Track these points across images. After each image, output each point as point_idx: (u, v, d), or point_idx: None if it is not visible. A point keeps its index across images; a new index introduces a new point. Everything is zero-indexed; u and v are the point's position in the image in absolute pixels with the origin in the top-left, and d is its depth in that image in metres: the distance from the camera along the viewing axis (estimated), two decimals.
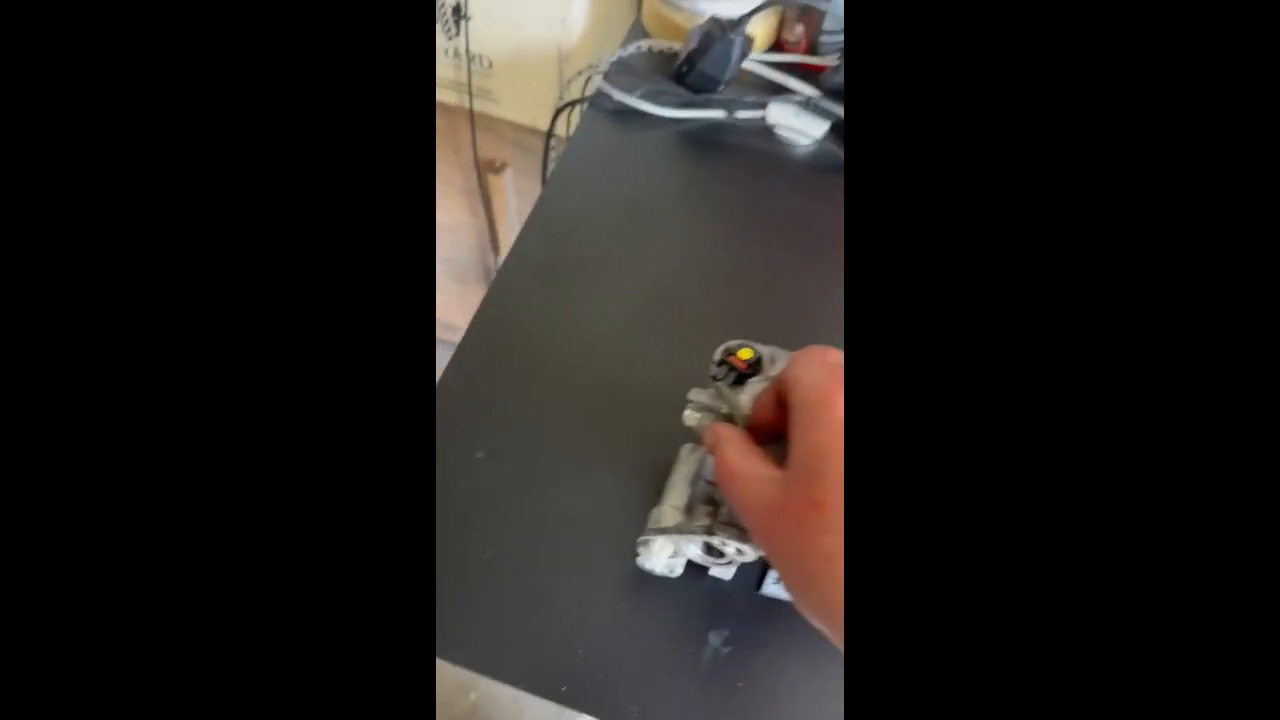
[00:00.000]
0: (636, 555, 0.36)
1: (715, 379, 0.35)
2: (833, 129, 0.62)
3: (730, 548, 0.32)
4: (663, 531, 0.34)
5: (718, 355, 0.36)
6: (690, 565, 0.41)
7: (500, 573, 0.41)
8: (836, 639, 0.24)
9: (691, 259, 0.56)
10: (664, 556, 0.35)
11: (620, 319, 0.52)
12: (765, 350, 0.36)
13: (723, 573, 0.40)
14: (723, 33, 0.58)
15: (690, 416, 0.36)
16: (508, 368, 0.48)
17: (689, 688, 0.38)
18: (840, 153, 0.62)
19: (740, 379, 0.35)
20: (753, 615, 0.40)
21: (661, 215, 0.59)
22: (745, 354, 0.36)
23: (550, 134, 0.69)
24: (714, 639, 0.40)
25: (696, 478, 0.35)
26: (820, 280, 0.55)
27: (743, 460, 0.28)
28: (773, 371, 0.35)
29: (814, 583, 0.24)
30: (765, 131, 0.63)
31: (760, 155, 0.63)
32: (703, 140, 0.64)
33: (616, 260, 0.55)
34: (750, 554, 0.32)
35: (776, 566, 0.28)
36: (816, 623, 0.25)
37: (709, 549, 0.34)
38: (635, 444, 0.44)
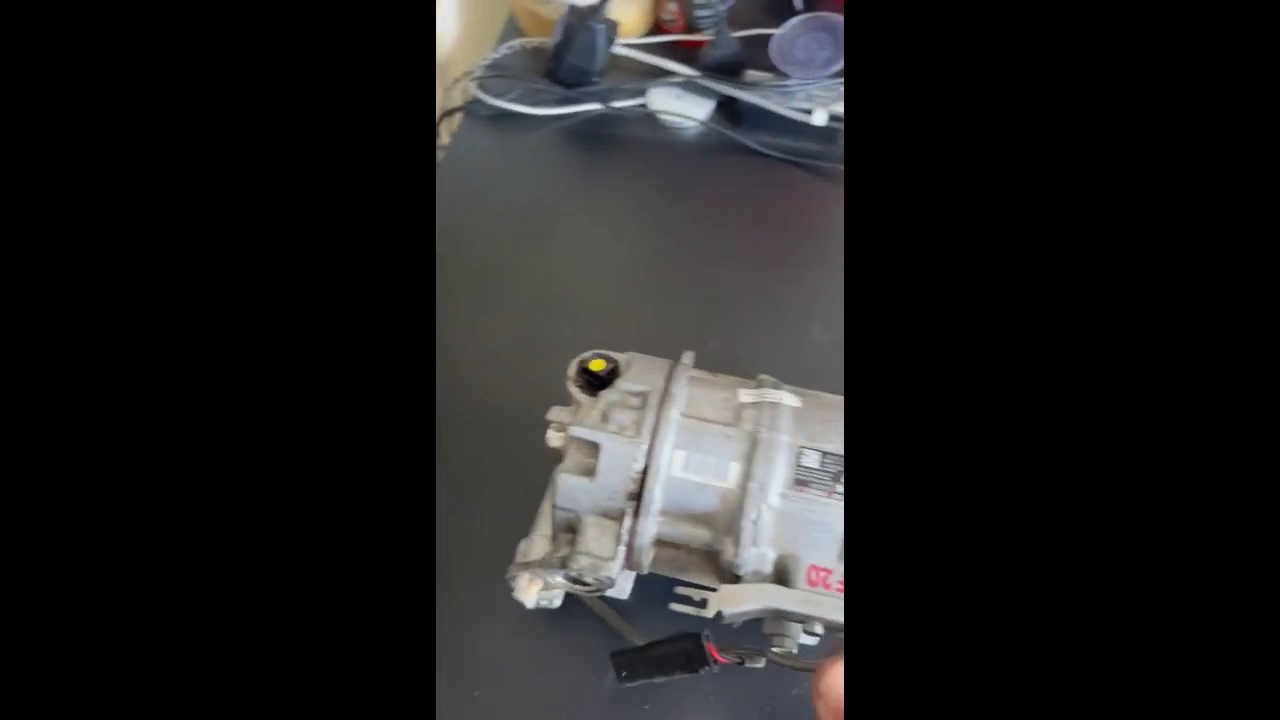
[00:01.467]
0: (512, 593, 0.34)
1: (572, 386, 0.33)
2: (718, 108, 0.60)
3: (588, 577, 0.30)
4: (525, 567, 0.32)
5: (571, 371, 0.34)
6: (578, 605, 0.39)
7: None
8: None
9: (580, 264, 0.54)
10: (534, 590, 0.33)
11: (508, 336, 0.49)
12: (620, 358, 0.34)
13: (618, 592, 0.38)
14: (582, 22, 0.55)
15: (553, 437, 0.34)
16: None
17: (590, 711, 0.36)
18: (726, 131, 0.59)
19: (596, 389, 0.33)
20: (657, 631, 0.38)
21: (547, 220, 0.56)
22: (597, 365, 0.34)
23: (433, 145, 0.66)
24: (612, 677, 0.37)
25: (554, 506, 0.33)
26: (717, 275, 0.52)
27: None
28: (627, 381, 0.33)
29: None
30: (648, 119, 0.61)
31: (645, 144, 0.60)
32: (585, 135, 0.61)
33: (501, 273, 0.53)
34: (612, 579, 0.30)
35: None
36: None
37: (574, 579, 0.32)
38: (523, 469, 0.42)
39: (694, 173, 0.59)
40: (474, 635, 0.38)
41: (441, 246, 0.54)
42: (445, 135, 0.65)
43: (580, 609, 0.38)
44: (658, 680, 0.31)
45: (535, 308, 0.51)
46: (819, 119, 0.56)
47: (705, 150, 0.60)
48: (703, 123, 0.59)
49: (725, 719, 0.36)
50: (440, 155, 0.61)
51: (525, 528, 0.37)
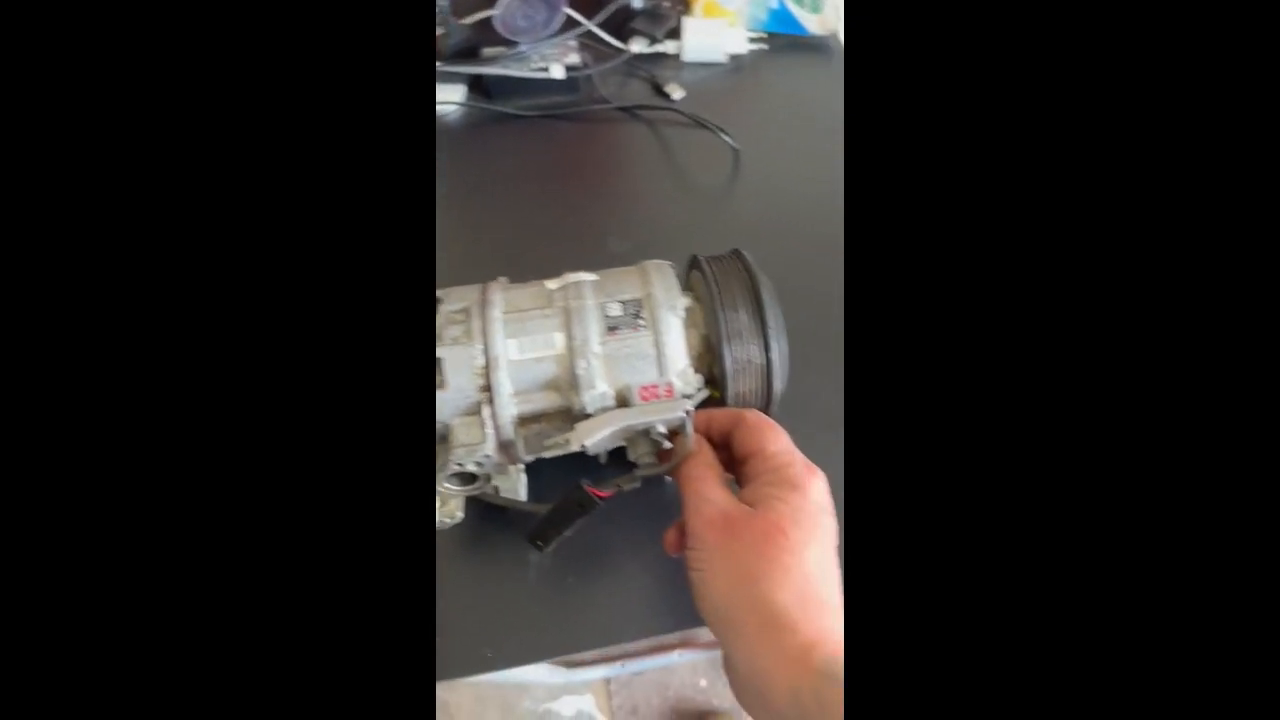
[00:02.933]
0: None
1: None
2: (470, 88, 0.66)
3: (470, 464, 0.35)
4: None
5: None
6: (483, 508, 0.43)
7: None
8: (754, 633, 0.28)
9: None
10: (436, 510, 0.37)
11: None
12: (437, 293, 0.39)
13: (513, 495, 0.43)
14: None
15: None
16: None
17: (529, 607, 0.41)
18: (483, 105, 0.65)
19: None
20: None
21: None
22: None
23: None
24: (534, 558, 0.43)
25: None
26: (511, 224, 0.58)
27: (714, 487, 0.33)
28: (448, 305, 0.38)
29: (760, 582, 0.28)
30: None
31: None
32: None
33: None
34: (492, 460, 0.35)
35: (714, 565, 0.30)
36: (738, 616, 0.29)
37: (461, 479, 0.36)
38: None
39: (467, 149, 0.64)
40: None
41: None
42: None
43: (488, 524, 0.43)
44: (567, 534, 0.37)
45: None
46: (557, 72, 0.64)
47: (472, 127, 0.65)
48: (460, 104, 0.65)
49: (637, 566, 0.42)
50: None
51: None
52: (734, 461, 0.35)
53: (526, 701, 1.09)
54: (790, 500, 0.31)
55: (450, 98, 0.64)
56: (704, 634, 1.12)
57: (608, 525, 0.42)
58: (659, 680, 1.11)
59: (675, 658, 1.10)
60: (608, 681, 1.10)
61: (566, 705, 1.09)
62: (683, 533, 0.34)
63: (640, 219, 0.58)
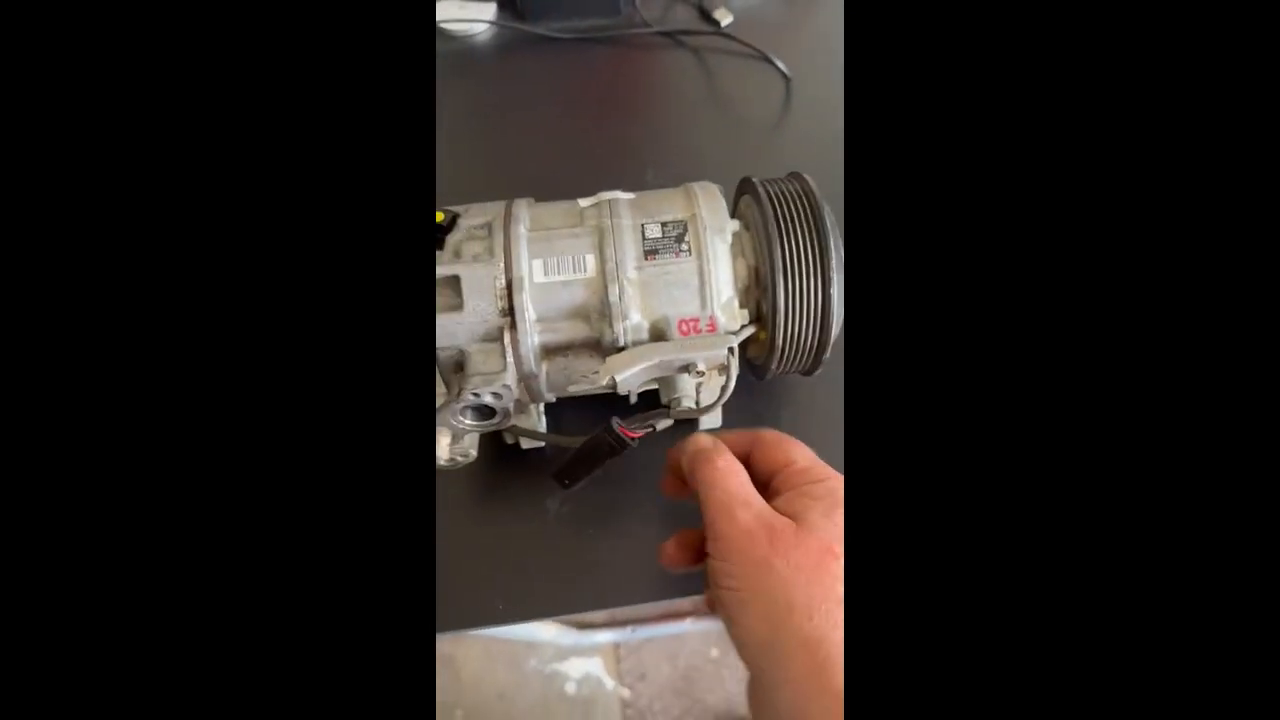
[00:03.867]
0: None
1: None
2: (500, 6, 0.61)
3: (486, 395, 0.31)
4: None
5: None
6: (505, 450, 0.40)
7: None
8: (791, 665, 0.24)
9: None
10: (445, 445, 0.34)
11: None
12: (457, 209, 0.35)
13: (532, 445, 0.39)
14: None
15: None
16: None
17: (544, 559, 0.38)
18: (516, 25, 0.60)
19: (441, 236, 0.34)
20: None
21: None
22: (438, 217, 0.34)
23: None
24: (551, 505, 0.39)
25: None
26: (545, 151, 0.54)
27: (746, 487, 0.28)
28: (472, 219, 0.34)
29: (813, 616, 0.24)
30: (439, 35, 0.60)
31: (445, 57, 0.60)
32: None
33: None
34: (512, 392, 0.32)
35: (754, 586, 0.26)
36: (784, 652, 0.25)
37: (477, 412, 0.33)
38: None
39: (496, 72, 0.59)
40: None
41: None
42: None
43: (507, 468, 0.39)
44: (596, 473, 0.33)
45: None
46: None
47: (503, 50, 0.60)
48: (490, 23, 0.60)
49: (656, 528, 0.39)
50: None
51: None
52: (755, 483, 0.30)
53: (534, 661, 1.08)
54: (836, 518, 0.26)
55: (480, 16, 0.60)
56: None
57: (626, 484, 0.39)
58: (669, 648, 1.09)
59: (687, 626, 1.08)
60: (617, 646, 1.09)
61: (574, 667, 1.07)
62: (690, 545, 0.30)
63: (681, 151, 0.54)
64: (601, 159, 0.53)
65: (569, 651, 1.08)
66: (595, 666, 1.07)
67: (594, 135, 0.55)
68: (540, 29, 0.60)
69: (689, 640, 1.09)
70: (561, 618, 0.98)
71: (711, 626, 1.08)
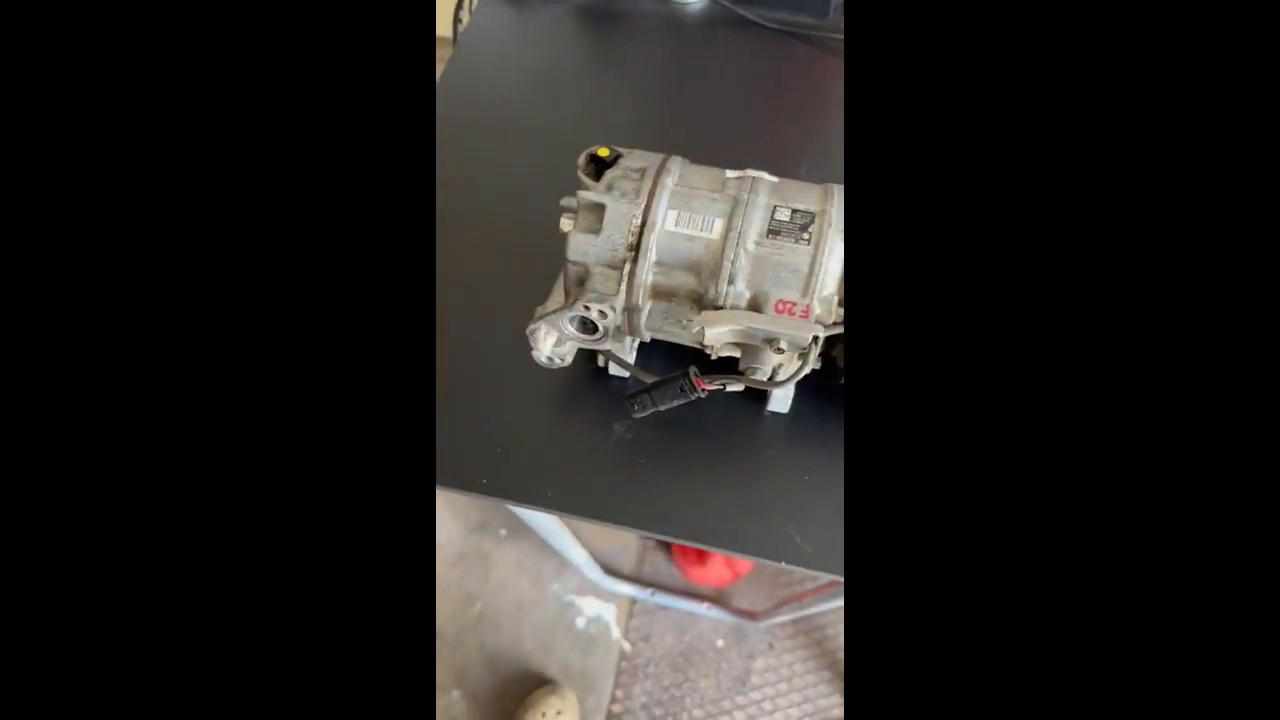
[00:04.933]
0: (531, 351, 0.40)
1: (582, 173, 0.39)
2: None
3: (593, 311, 0.36)
4: (543, 316, 0.38)
5: (581, 160, 0.40)
6: (595, 370, 0.45)
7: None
8: None
9: (589, 120, 0.59)
10: (549, 344, 0.39)
11: (523, 176, 0.55)
12: (623, 150, 0.40)
13: (619, 372, 0.44)
14: None
15: (565, 222, 0.40)
16: None
17: (597, 469, 0.43)
18: (728, 5, 0.64)
19: (600, 169, 0.39)
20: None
21: (561, 82, 0.61)
22: (604, 152, 0.39)
23: (456, 21, 0.71)
24: (618, 428, 0.44)
25: (565, 264, 0.38)
26: (716, 128, 0.57)
27: None
28: (632, 162, 0.38)
29: None
30: None
31: (653, 18, 0.65)
32: (599, 12, 0.65)
33: (518, 125, 0.58)
34: (616, 316, 0.36)
35: None
36: None
37: (582, 324, 0.38)
38: (540, 278, 0.48)
39: (698, 43, 0.63)
40: (505, 409, 0.44)
41: (462, 101, 0.59)
42: (465, 14, 0.70)
43: (591, 388, 0.44)
44: (661, 408, 0.37)
45: (548, 153, 0.56)
46: None
47: (708, 24, 0.64)
48: None
49: (705, 477, 0.42)
50: (461, 29, 0.66)
51: None
52: None
53: (556, 585, 1.15)
54: None
55: None
56: (737, 598, 1.12)
57: (689, 435, 0.43)
58: (680, 622, 1.12)
59: (703, 609, 1.11)
60: (633, 602, 1.14)
61: (590, 605, 1.14)
62: None
63: (840, 156, 0.55)
64: (764, 144, 0.56)
65: (590, 588, 1.14)
66: (608, 612, 1.13)
67: (765, 119, 0.58)
68: (749, 13, 0.63)
69: (700, 623, 1.12)
70: (594, 557, 1.05)
71: (724, 618, 1.11)
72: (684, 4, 0.64)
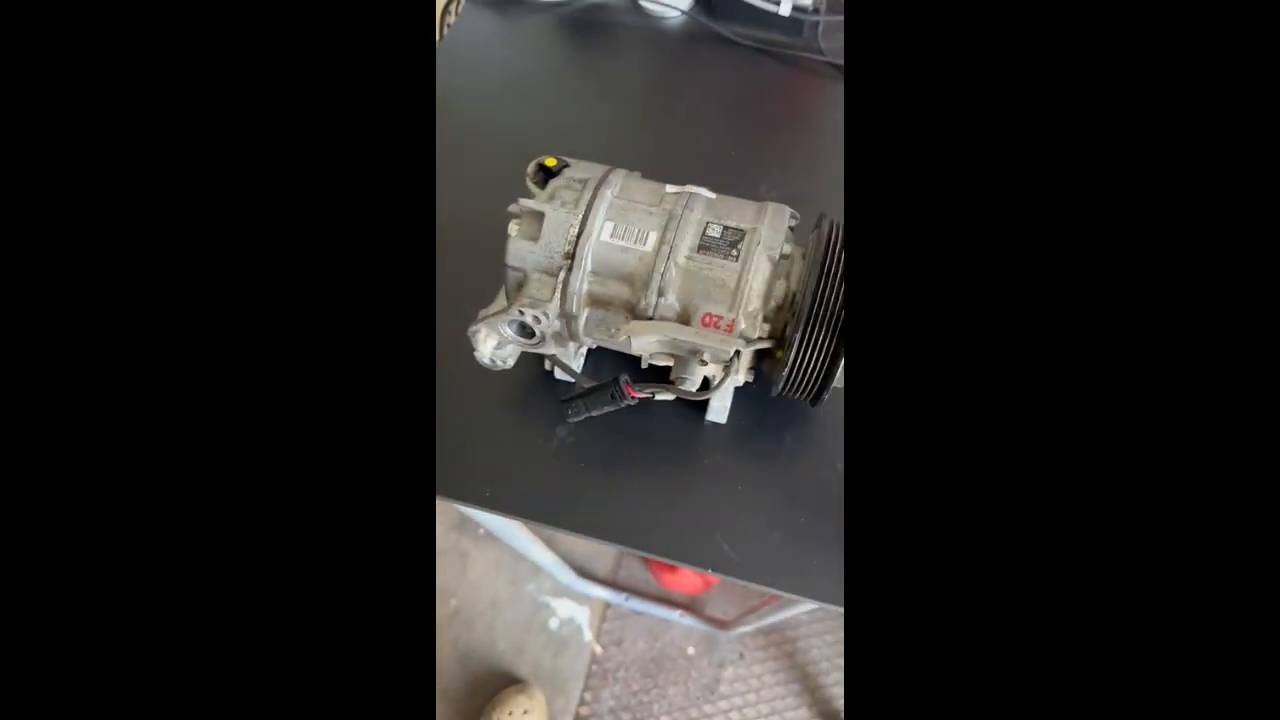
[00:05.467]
0: (474, 353, 0.41)
1: (530, 182, 0.40)
2: (695, 1, 0.66)
3: (528, 316, 0.37)
4: (484, 319, 0.39)
5: (530, 169, 0.41)
6: (544, 373, 0.46)
7: None
8: None
9: (565, 125, 0.60)
10: (489, 346, 0.40)
11: (498, 178, 0.56)
12: (570, 160, 0.41)
13: (564, 377, 0.45)
14: None
15: (512, 228, 0.41)
16: None
17: (538, 470, 0.44)
18: (704, 20, 0.65)
19: (548, 178, 0.40)
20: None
21: (540, 90, 0.62)
22: (551, 162, 0.40)
23: (443, 25, 0.73)
24: (561, 432, 0.45)
25: (505, 269, 0.39)
26: (685, 139, 0.59)
27: None
28: (576, 172, 0.39)
29: None
30: (636, 8, 0.66)
31: (632, 30, 0.66)
32: (578, 22, 0.67)
33: (493, 131, 0.59)
34: (551, 322, 0.37)
35: None
36: None
37: (520, 328, 0.39)
38: (494, 283, 0.49)
39: (674, 57, 0.64)
40: (452, 408, 0.45)
41: (438, 109, 0.61)
42: (452, 17, 0.71)
43: (538, 391, 0.45)
44: (594, 414, 0.38)
45: (520, 158, 0.57)
46: (784, 9, 0.62)
47: (685, 38, 0.65)
48: (684, 13, 0.65)
49: (648, 486, 0.43)
50: (443, 36, 0.67)
51: None
52: None
53: (532, 586, 1.16)
54: None
55: (676, 3, 0.65)
56: (710, 606, 1.12)
57: (631, 444, 0.44)
58: (652, 628, 1.13)
59: (676, 616, 1.12)
60: (606, 606, 1.15)
61: (563, 607, 1.15)
62: None
63: (802, 175, 0.56)
64: (729, 157, 0.57)
65: (564, 590, 1.15)
66: (581, 615, 1.14)
67: (734, 135, 0.59)
68: (725, 30, 0.64)
69: (673, 630, 1.12)
70: (566, 560, 1.06)
71: (696, 626, 1.12)
72: (663, 18, 0.66)
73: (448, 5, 0.71)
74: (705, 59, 0.64)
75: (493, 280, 0.45)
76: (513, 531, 0.77)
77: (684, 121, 0.60)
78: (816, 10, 0.62)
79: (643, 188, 0.39)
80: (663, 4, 0.65)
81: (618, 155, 0.59)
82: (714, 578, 1.12)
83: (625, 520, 0.42)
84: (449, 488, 0.43)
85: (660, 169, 0.42)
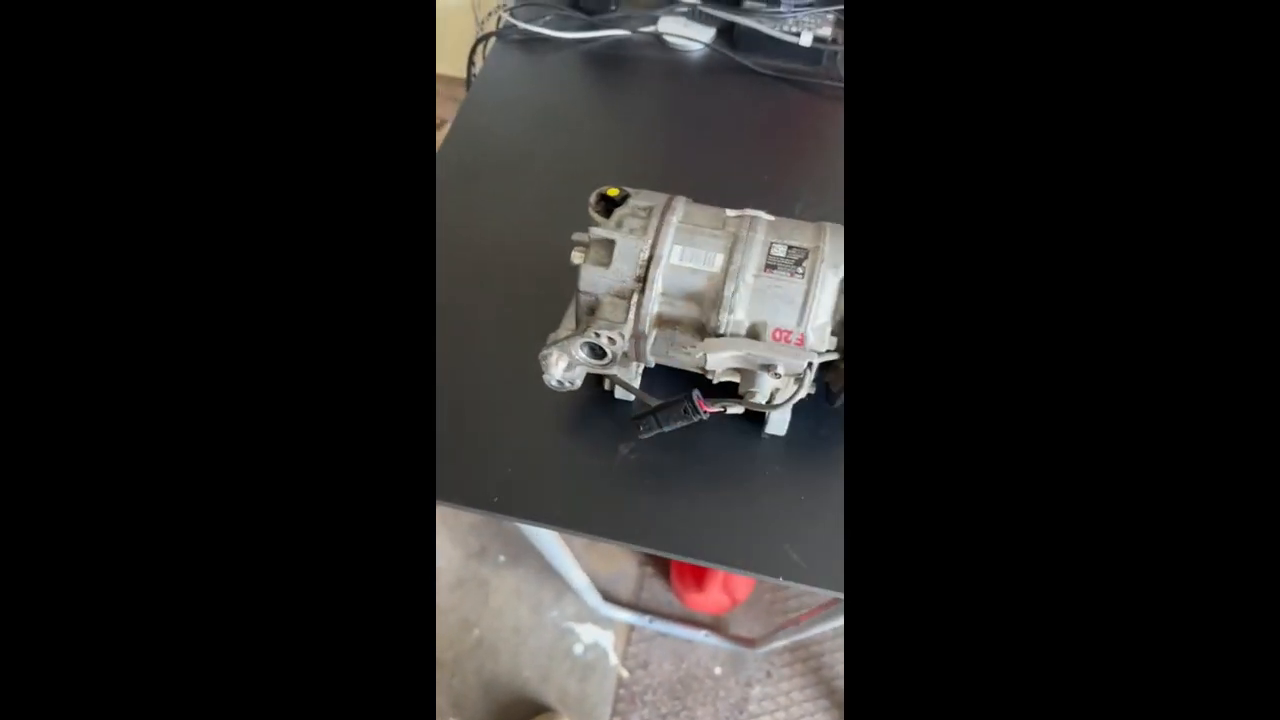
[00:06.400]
0: (542, 375, 0.43)
1: (593, 211, 0.42)
2: (719, 33, 0.69)
3: (603, 338, 0.38)
4: (555, 342, 0.40)
5: (592, 199, 0.43)
6: (601, 393, 0.47)
7: (441, 418, 0.47)
8: None
9: (595, 156, 0.62)
10: (560, 368, 0.41)
11: (531, 206, 0.58)
12: (631, 190, 0.43)
13: (625, 396, 0.46)
14: None
15: (576, 255, 0.42)
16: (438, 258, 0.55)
17: (604, 487, 0.45)
18: (726, 52, 0.68)
19: (610, 207, 0.42)
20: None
21: (568, 122, 0.65)
22: (613, 191, 0.42)
23: (471, 64, 0.75)
24: (623, 449, 0.46)
25: (575, 293, 0.41)
26: (715, 167, 0.61)
27: None
28: (640, 200, 0.41)
29: None
30: (659, 42, 0.69)
31: (656, 64, 0.69)
32: (604, 56, 0.70)
33: (528, 161, 0.61)
34: (624, 343, 0.39)
35: None
36: None
37: (592, 350, 0.40)
38: (549, 306, 0.50)
39: (698, 87, 0.67)
40: (515, 431, 0.47)
41: (475, 140, 0.63)
42: (480, 58, 0.74)
43: (597, 410, 0.47)
44: (665, 430, 0.40)
45: (555, 188, 0.59)
46: (805, 40, 0.65)
47: (708, 70, 0.68)
48: (706, 45, 0.68)
49: (711, 499, 0.45)
50: (475, 73, 0.69)
51: None
52: None
53: (555, 612, 1.16)
54: None
55: (698, 36, 0.68)
56: (735, 625, 1.12)
57: (690, 460, 0.45)
58: (678, 650, 1.13)
59: (701, 636, 1.12)
60: (631, 629, 1.14)
61: (588, 632, 1.14)
62: None
63: (834, 196, 0.59)
64: (762, 182, 0.60)
65: (588, 615, 1.15)
66: (605, 639, 1.14)
67: (762, 160, 0.61)
68: (747, 61, 0.67)
69: (698, 651, 1.12)
70: (593, 583, 1.06)
71: (723, 645, 1.12)
72: (685, 51, 0.69)
73: (477, 45, 0.73)
74: (729, 88, 0.67)
75: (538, 306, 0.47)
76: (555, 550, 0.78)
77: (713, 147, 0.63)
78: (835, 41, 0.66)
79: (704, 212, 0.41)
80: (685, 37, 0.68)
81: (653, 181, 0.61)
82: (740, 596, 1.12)
83: (694, 534, 0.43)
84: (520, 508, 0.44)
85: (698, 194, 0.44)
